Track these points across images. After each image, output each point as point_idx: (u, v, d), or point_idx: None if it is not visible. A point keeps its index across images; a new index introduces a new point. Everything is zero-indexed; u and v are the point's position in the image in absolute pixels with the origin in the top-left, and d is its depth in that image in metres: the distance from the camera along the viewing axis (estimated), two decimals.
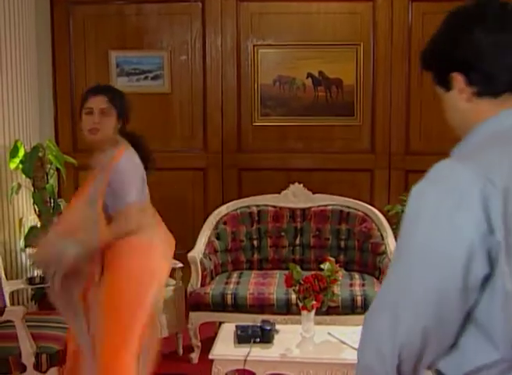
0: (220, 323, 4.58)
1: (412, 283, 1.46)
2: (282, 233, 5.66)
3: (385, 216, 5.52)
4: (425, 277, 1.45)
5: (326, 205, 5.66)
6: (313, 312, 4.12)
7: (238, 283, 5.18)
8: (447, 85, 1.66)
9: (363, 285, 5.07)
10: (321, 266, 4.21)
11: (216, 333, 4.37)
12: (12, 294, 4.84)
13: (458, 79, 1.62)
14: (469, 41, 1.58)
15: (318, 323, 4.27)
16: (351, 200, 5.69)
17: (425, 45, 1.72)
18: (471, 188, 1.42)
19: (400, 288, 1.48)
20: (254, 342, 4.06)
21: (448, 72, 1.64)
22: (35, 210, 5.60)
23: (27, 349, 3.91)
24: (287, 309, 4.90)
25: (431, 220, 1.45)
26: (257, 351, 4.02)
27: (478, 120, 1.61)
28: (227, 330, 4.25)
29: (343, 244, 5.59)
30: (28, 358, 3.90)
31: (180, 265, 5.09)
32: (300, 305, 4.14)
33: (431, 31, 6.07)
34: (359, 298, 4.88)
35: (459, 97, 1.64)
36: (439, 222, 1.44)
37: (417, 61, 6.27)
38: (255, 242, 5.65)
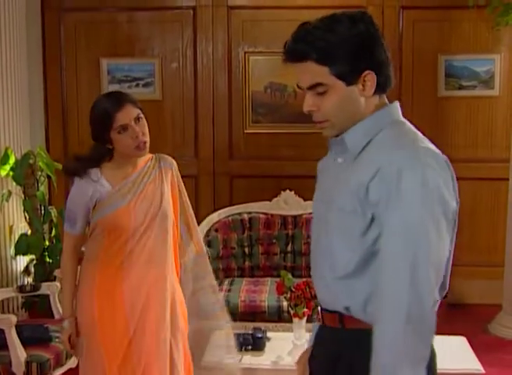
0: None
1: (444, 245, 1.87)
2: (274, 241, 5.66)
3: None
4: (446, 239, 1.88)
5: None
6: (304, 319, 4.11)
7: (229, 290, 5.17)
8: (352, 80, 1.92)
9: None
10: None
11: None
12: (2, 302, 4.81)
13: (372, 77, 1.93)
14: (382, 51, 1.95)
15: (309, 331, 4.25)
16: None
17: (332, 44, 1.91)
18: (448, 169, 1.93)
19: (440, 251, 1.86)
20: (246, 350, 4.05)
21: (362, 70, 1.92)
22: (25, 217, 5.58)
23: (18, 358, 3.89)
24: (278, 317, 4.88)
25: (441, 194, 1.85)
26: (249, 359, 4.01)
27: (369, 111, 1.98)
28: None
29: None
30: (18, 367, 3.88)
31: None
32: (292, 312, 4.14)
33: (422, 39, 6.14)
34: None
35: (360, 92, 1.95)
36: (447, 194, 1.86)
37: (409, 68, 6.10)
38: (246, 249, 5.64)
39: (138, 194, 3.17)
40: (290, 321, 4.28)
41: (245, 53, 6.35)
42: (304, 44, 1.91)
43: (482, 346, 4.78)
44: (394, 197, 1.83)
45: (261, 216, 5.70)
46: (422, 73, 6.26)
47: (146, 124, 3.16)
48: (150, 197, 3.19)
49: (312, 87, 1.94)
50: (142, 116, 3.14)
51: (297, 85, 2.00)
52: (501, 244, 5.86)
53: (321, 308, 2.11)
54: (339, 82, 1.92)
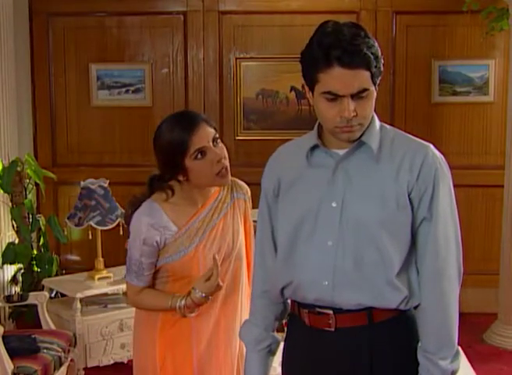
0: None
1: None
2: None
3: None
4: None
5: None
6: None
7: None
8: (376, 84, 2.07)
9: None
10: None
11: None
12: None
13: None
14: None
15: None
16: None
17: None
18: None
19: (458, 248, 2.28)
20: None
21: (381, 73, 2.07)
22: (13, 226, 5.52)
23: (4, 369, 3.84)
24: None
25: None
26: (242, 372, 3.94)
27: None
28: None
29: None
30: None
31: None
32: (284, 321, 4.07)
33: (415, 44, 6.06)
34: None
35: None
36: None
37: (402, 73, 6.07)
38: None
39: (208, 234, 2.68)
40: (283, 331, 4.21)
41: (236, 59, 6.30)
42: (363, 52, 1.97)
43: (478, 356, 4.74)
44: (440, 180, 2.09)
45: (253, 224, 5.62)
46: (416, 79, 6.22)
47: (225, 147, 2.66)
48: (221, 236, 2.72)
49: (357, 93, 1.99)
50: (218, 136, 2.65)
51: (328, 91, 2.01)
52: (496, 251, 5.81)
53: (335, 312, 2.15)
54: (373, 86, 2.03)
